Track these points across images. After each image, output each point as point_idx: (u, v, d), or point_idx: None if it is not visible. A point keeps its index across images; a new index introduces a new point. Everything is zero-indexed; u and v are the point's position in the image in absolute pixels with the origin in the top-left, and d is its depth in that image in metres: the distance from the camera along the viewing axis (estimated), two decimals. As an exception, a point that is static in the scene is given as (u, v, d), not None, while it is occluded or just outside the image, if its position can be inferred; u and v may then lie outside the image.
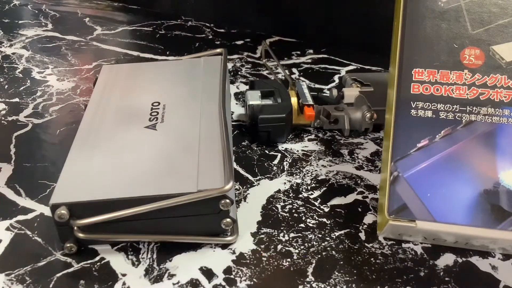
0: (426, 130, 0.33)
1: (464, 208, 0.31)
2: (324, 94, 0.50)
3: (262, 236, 0.35)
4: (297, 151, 0.44)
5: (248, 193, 0.39)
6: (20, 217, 0.36)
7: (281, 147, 0.44)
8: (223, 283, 0.31)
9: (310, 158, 0.43)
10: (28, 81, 0.55)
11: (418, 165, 0.32)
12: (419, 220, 0.31)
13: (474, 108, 0.33)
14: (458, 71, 0.33)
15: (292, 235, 0.35)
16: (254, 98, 0.44)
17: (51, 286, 0.31)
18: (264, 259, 0.33)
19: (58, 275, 0.31)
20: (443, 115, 0.33)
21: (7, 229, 0.35)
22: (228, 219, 0.33)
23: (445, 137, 0.32)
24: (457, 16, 0.33)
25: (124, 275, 0.31)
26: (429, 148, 0.32)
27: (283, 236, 0.35)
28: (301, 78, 0.56)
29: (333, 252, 0.33)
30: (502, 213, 0.31)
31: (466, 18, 0.33)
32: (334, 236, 0.35)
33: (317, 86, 0.55)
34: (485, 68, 0.33)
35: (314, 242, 0.34)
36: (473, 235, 0.31)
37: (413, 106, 0.33)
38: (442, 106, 0.33)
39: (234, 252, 0.33)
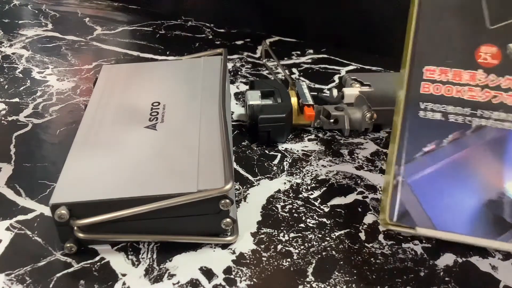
0: (434, 134, 0.31)
1: (466, 218, 0.30)
2: (324, 94, 0.50)
3: (262, 236, 0.35)
4: (297, 151, 0.44)
5: (248, 193, 0.39)
6: (20, 217, 0.36)
7: (281, 147, 0.44)
8: (223, 283, 0.31)
9: (310, 158, 0.43)
10: (28, 81, 0.55)
11: (423, 171, 0.31)
12: (419, 227, 0.31)
13: (485, 112, 0.30)
14: (472, 70, 0.30)
15: (292, 235, 0.35)
16: (254, 98, 0.44)
17: (51, 286, 0.31)
18: (264, 259, 0.33)
19: (58, 275, 0.31)
20: (452, 118, 0.31)
21: (7, 229, 0.35)
22: (228, 219, 0.33)
23: (453, 142, 0.31)
24: (475, 9, 0.30)
25: (124, 275, 0.31)
26: (435, 153, 0.31)
27: (283, 236, 0.35)
28: (301, 78, 0.56)
29: (333, 252, 0.33)
30: (504, 224, 0.30)
31: (485, 11, 0.29)
32: (334, 236, 0.35)
33: (317, 86, 0.55)
34: (500, 69, 0.30)
35: (314, 242, 0.34)
36: (472, 243, 0.31)
37: (422, 107, 0.31)
38: (452, 108, 0.31)
39: (234, 252, 0.33)
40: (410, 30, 0.31)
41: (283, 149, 0.44)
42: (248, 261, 0.33)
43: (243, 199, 0.38)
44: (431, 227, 0.31)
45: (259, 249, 0.34)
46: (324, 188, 0.39)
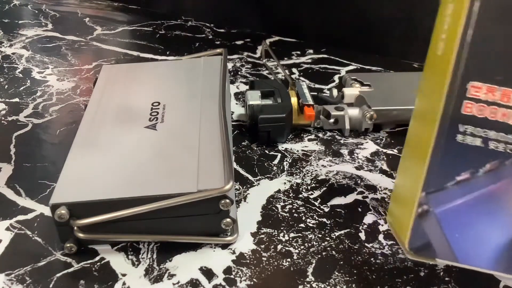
0: (470, 161, 0.27)
1: (491, 253, 0.28)
2: (324, 94, 0.50)
3: (262, 236, 0.35)
4: (297, 151, 0.44)
5: (248, 193, 0.39)
6: (20, 217, 0.36)
7: (281, 147, 0.44)
8: (223, 283, 0.31)
9: (310, 158, 0.43)
10: (28, 81, 0.55)
11: (453, 202, 0.28)
12: (440, 259, 0.29)
13: None
14: None
15: (292, 235, 0.35)
16: (254, 98, 0.44)
17: (51, 286, 0.31)
18: (264, 259, 0.33)
19: (58, 275, 0.31)
20: (492, 145, 0.26)
21: (7, 229, 0.35)
22: (228, 219, 0.33)
23: (489, 172, 0.27)
24: None
25: (124, 275, 0.31)
26: (469, 183, 0.27)
27: (283, 236, 0.35)
28: (301, 78, 0.56)
29: (333, 252, 0.33)
30: None
31: None
32: (334, 236, 0.35)
33: (317, 86, 0.55)
34: None
35: (314, 242, 0.34)
36: (492, 274, 0.30)
37: (461, 131, 0.26)
38: (494, 134, 0.26)
39: (234, 252, 0.33)
40: (455, 35, 0.25)
41: (283, 149, 0.44)
42: (248, 261, 0.33)
43: (243, 199, 0.38)
44: (453, 260, 0.28)
45: (259, 249, 0.34)
46: (324, 188, 0.39)
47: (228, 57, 0.60)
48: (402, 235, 0.30)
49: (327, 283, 0.31)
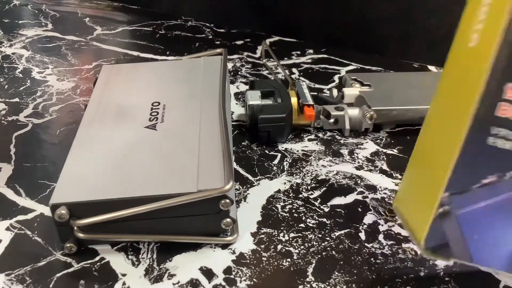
0: (498, 165, 0.26)
1: (506, 255, 0.28)
2: (324, 94, 0.50)
3: (262, 236, 0.35)
4: (297, 151, 0.44)
5: (248, 193, 0.39)
6: (20, 217, 0.36)
7: (281, 147, 0.44)
8: (223, 283, 0.31)
9: (310, 158, 0.43)
10: (28, 81, 0.55)
11: (476, 204, 0.27)
12: (455, 258, 0.28)
13: None
14: None
15: (292, 235, 0.35)
16: (254, 98, 0.44)
17: (51, 286, 0.31)
18: (264, 259, 0.33)
19: (58, 275, 0.31)
20: None
21: (7, 229, 0.35)
22: (228, 219, 0.33)
23: None
24: None
25: (124, 275, 0.31)
26: (494, 187, 0.26)
27: (283, 236, 0.35)
28: (301, 78, 0.56)
29: (333, 252, 0.33)
30: None
31: None
32: (334, 236, 0.35)
33: (317, 86, 0.55)
34: None
35: (314, 242, 0.34)
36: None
37: (493, 133, 0.25)
38: None
39: (234, 252, 0.33)
40: (496, 27, 0.23)
41: (283, 149, 0.44)
42: (248, 261, 0.33)
43: (243, 199, 0.38)
44: (468, 260, 0.28)
45: (259, 249, 0.34)
46: (324, 188, 0.39)
47: (228, 57, 0.60)
48: (418, 234, 0.29)
49: (327, 283, 0.31)
